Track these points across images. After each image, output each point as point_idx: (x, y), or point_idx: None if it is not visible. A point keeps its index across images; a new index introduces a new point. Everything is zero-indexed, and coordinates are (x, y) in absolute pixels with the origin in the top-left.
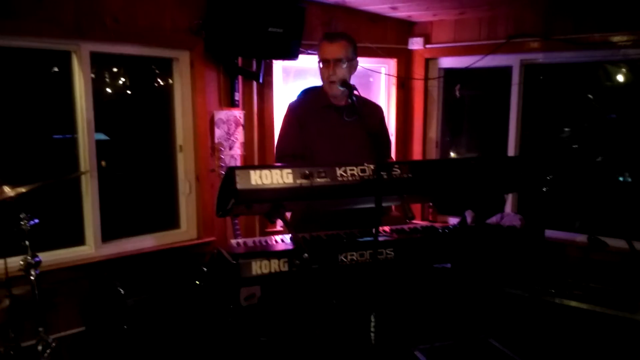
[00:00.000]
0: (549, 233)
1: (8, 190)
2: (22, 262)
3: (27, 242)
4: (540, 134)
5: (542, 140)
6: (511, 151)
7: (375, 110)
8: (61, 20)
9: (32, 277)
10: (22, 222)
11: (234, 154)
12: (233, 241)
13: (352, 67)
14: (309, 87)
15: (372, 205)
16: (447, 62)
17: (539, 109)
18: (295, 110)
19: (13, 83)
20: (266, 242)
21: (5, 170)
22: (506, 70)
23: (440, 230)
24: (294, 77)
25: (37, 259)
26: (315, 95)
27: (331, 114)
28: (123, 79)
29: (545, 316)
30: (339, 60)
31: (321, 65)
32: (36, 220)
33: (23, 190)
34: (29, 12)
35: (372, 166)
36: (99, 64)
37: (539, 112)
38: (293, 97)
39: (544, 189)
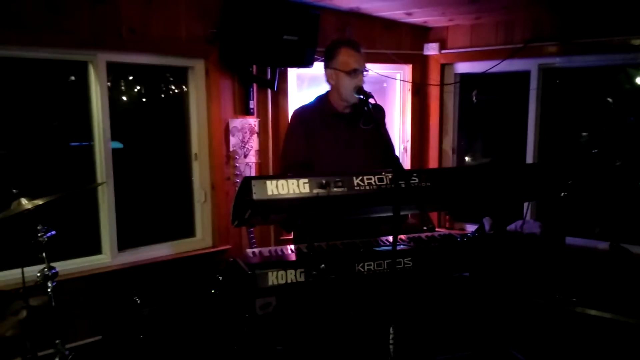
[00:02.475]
0: (569, 240)
1: (25, 203)
2: (39, 275)
3: (44, 255)
4: (558, 139)
5: (560, 145)
6: (530, 156)
7: (377, 111)
8: (78, 32)
9: (49, 289)
10: (39, 234)
11: (249, 162)
12: (249, 250)
13: None
14: (318, 95)
15: (390, 214)
16: (463, 67)
17: (557, 113)
18: (301, 119)
19: (31, 92)
20: (282, 251)
21: (24, 179)
22: (523, 75)
23: (458, 239)
24: (308, 85)
25: (54, 271)
26: (321, 103)
27: (339, 123)
28: (139, 88)
29: (566, 325)
30: (364, 70)
31: (347, 74)
32: (53, 232)
33: (40, 202)
34: (46, 24)
35: (389, 175)
36: (115, 73)
37: (557, 117)
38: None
39: (563, 194)
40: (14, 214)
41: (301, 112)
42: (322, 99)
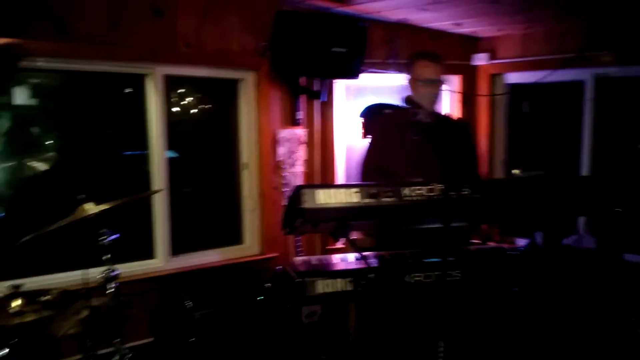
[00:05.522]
0: (627, 257)
1: (91, 207)
2: (102, 275)
3: (108, 256)
4: (614, 151)
5: (616, 157)
6: (584, 169)
7: (461, 128)
8: (137, 46)
9: (110, 290)
10: (103, 237)
11: (296, 172)
12: (297, 259)
13: None
14: (390, 103)
15: (440, 225)
16: (513, 77)
17: (613, 124)
18: (382, 126)
19: (90, 103)
20: (329, 260)
21: (84, 185)
22: (577, 85)
23: (509, 252)
24: (354, 95)
25: (115, 273)
26: (404, 111)
27: (419, 131)
28: (191, 99)
29: (626, 345)
30: (441, 81)
31: (422, 85)
32: (117, 235)
33: (105, 207)
34: (107, 38)
35: (439, 185)
36: (168, 85)
37: (613, 128)
38: (359, 111)
39: (619, 209)
40: (81, 217)
41: (384, 118)
42: (406, 107)
